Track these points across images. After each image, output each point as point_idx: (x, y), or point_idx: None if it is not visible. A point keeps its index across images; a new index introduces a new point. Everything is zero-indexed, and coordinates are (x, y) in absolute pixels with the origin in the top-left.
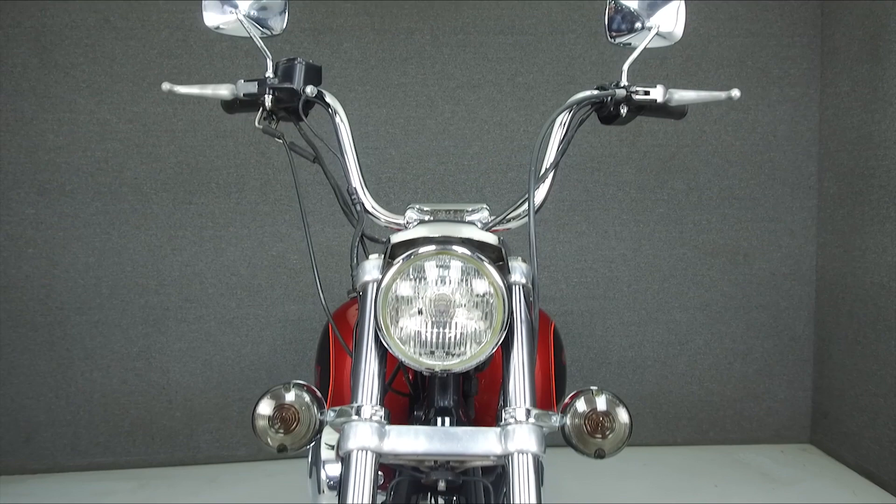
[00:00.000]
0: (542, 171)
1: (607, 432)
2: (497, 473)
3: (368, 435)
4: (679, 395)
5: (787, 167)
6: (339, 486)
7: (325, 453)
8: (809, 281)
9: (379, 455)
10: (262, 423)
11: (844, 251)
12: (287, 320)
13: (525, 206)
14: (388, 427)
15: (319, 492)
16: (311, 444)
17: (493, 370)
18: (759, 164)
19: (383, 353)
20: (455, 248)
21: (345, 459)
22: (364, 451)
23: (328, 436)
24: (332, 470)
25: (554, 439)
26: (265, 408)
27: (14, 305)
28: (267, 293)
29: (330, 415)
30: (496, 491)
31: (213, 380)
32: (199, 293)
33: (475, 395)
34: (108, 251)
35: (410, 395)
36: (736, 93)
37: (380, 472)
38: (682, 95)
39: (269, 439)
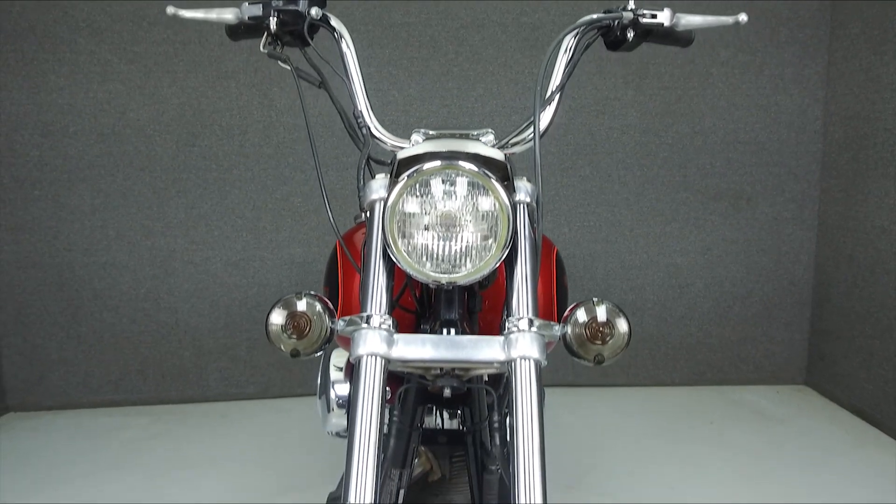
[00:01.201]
0: (548, 94)
1: (607, 339)
2: (499, 394)
3: (378, 342)
4: (678, 338)
5: (793, 110)
6: (349, 395)
7: (334, 374)
8: (811, 225)
9: (388, 362)
10: (275, 329)
11: (847, 195)
12: (293, 263)
13: (530, 129)
14: (396, 336)
15: (329, 410)
16: (321, 354)
17: (497, 291)
18: (765, 108)
19: (391, 269)
20: (461, 163)
21: (355, 366)
22: (374, 357)
23: (336, 358)
24: (341, 389)
25: (555, 378)
26: (278, 316)
27: (22, 247)
28: (272, 236)
29: (340, 324)
30: (499, 404)
31: (221, 320)
32: (204, 235)
33: (479, 313)
34: (114, 193)
35: (417, 312)
36: (743, 17)
37: (387, 388)
38: (689, 20)
39: (282, 345)
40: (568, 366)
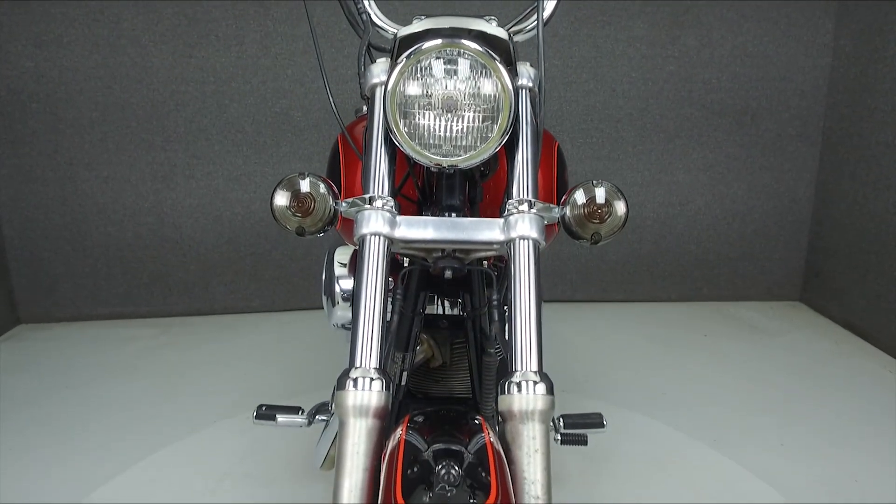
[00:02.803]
0: None
1: (605, 217)
2: (498, 279)
3: (381, 222)
4: (676, 254)
5: (804, 24)
6: (354, 276)
7: (338, 270)
8: (815, 143)
9: (390, 242)
10: (280, 208)
11: (853, 111)
12: None
13: (533, 16)
14: (398, 218)
15: (334, 304)
16: (323, 235)
17: (497, 184)
18: (775, 21)
19: (392, 153)
20: (464, 41)
21: (359, 246)
22: (377, 237)
23: (340, 255)
24: (346, 284)
25: (554, 294)
26: (282, 197)
27: (23, 161)
28: (272, 150)
29: (343, 205)
30: (499, 286)
31: (225, 235)
32: (205, 150)
33: (480, 204)
34: (112, 106)
35: (419, 202)
36: None
37: (389, 280)
38: None
39: (287, 223)
40: (567, 281)
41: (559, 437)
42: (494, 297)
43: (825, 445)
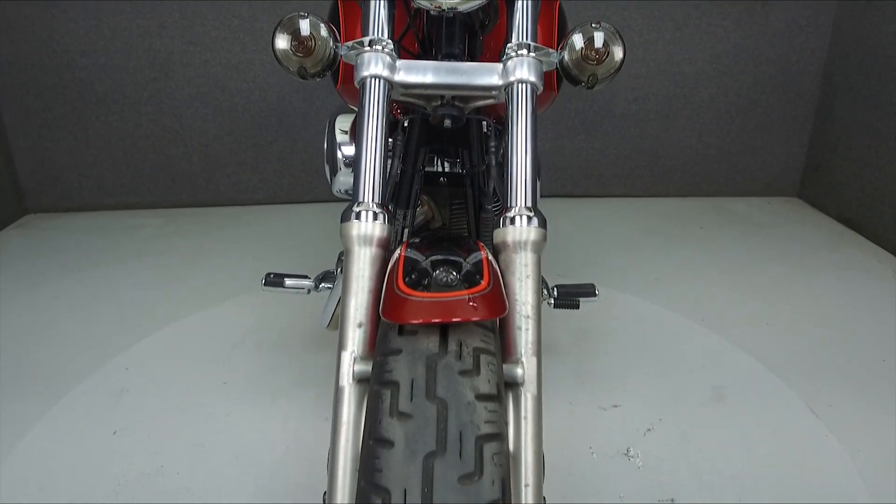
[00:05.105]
0: None
1: (604, 57)
2: (497, 130)
3: (381, 66)
4: (677, 149)
5: None
6: (356, 120)
7: (340, 137)
8: (825, 33)
9: (390, 87)
10: (282, 50)
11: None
12: None
13: None
14: (399, 62)
15: (336, 171)
16: (320, 80)
17: (497, 41)
18: None
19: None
20: None
21: (360, 89)
22: (377, 79)
23: (341, 122)
24: (347, 150)
25: (554, 188)
26: (283, 38)
27: (19, 47)
28: (270, 38)
29: (344, 49)
30: (498, 138)
31: (226, 126)
32: (201, 36)
33: (479, 58)
34: None
35: (419, 56)
36: None
37: (389, 140)
38: None
39: (289, 64)
40: (567, 176)
41: (552, 302)
42: (492, 143)
43: (811, 326)
